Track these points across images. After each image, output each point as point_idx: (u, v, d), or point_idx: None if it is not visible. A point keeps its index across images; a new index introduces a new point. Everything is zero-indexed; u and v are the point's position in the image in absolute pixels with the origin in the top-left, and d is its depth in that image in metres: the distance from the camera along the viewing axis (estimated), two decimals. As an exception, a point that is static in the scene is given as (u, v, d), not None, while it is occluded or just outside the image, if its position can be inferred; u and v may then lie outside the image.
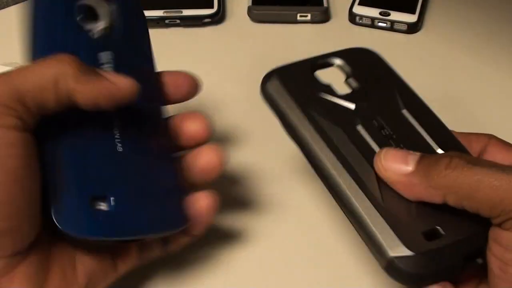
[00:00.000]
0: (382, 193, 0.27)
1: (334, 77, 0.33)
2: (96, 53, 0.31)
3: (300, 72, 0.32)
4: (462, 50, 0.51)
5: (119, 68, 0.31)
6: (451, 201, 0.25)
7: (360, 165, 0.28)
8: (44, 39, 0.31)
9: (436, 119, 0.31)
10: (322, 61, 0.33)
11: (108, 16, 0.32)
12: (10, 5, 0.58)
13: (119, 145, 0.30)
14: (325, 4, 0.55)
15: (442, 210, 0.26)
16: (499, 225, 0.24)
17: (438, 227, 0.27)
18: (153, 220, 0.30)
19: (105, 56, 0.31)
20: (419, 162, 0.26)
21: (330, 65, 0.33)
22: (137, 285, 0.35)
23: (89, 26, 0.32)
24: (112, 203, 0.28)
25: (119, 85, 0.28)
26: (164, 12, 0.54)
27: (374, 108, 0.31)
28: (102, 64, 0.31)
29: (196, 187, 0.32)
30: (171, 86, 0.33)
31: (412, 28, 0.53)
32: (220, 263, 0.35)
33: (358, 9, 0.54)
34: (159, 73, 0.34)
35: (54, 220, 0.27)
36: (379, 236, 0.26)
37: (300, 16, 0.54)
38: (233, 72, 0.49)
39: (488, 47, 0.52)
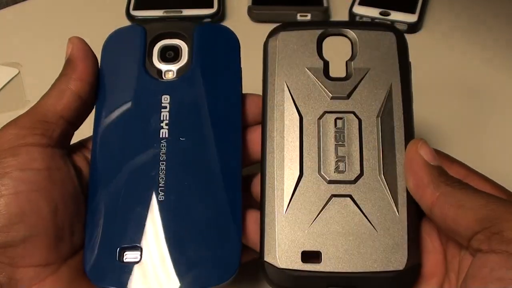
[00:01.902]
0: (291, 202, 0.28)
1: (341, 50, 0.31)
2: (160, 96, 0.30)
3: (306, 38, 0.31)
4: (462, 50, 0.51)
5: (185, 114, 0.30)
6: (439, 205, 0.25)
7: (291, 163, 0.29)
8: (110, 78, 0.31)
9: (403, 142, 0.29)
10: (336, 31, 0.31)
11: (189, 54, 0.31)
12: (10, 5, 0.58)
13: (161, 193, 0.29)
14: (325, 4, 0.55)
15: (343, 236, 0.27)
16: (479, 249, 0.24)
17: (321, 252, 0.28)
18: (191, 275, 0.28)
19: (166, 99, 0.30)
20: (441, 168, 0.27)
21: (343, 35, 0.31)
22: None
23: (166, 66, 0.31)
24: (143, 255, 0.28)
25: None
26: (164, 12, 0.54)
27: (350, 106, 0.30)
28: (163, 107, 0.30)
29: None
30: (252, 114, 0.32)
31: (412, 28, 0.53)
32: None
33: (358, 9, 0.54)
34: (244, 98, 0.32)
35: (84, 267, 0.28)
36: (265, 239, 0.28)
37: (300, 16, 0.54)
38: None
39: (488, 46, 0.52)
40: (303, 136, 0.29)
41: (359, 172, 0.29)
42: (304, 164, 0.29)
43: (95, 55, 0.31)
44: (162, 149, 0.29)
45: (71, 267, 0.28)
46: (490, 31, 0.53)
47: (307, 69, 0.30)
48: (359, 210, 0.28)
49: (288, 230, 0.28)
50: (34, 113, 0.28)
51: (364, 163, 0.29)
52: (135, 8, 0.55)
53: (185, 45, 0.32)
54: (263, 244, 0.28)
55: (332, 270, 0.27)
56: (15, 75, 0.50)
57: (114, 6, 0.56)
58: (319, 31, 0.31)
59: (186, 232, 0.28)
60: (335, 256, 0.27)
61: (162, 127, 0.30)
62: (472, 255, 0.25)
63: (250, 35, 0.54)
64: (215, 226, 0.29)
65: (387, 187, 0.28)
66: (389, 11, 0.53)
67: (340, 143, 0.29)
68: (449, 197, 0.25)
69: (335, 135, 0.29)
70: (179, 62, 0.31)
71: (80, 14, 0.57)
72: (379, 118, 0.29)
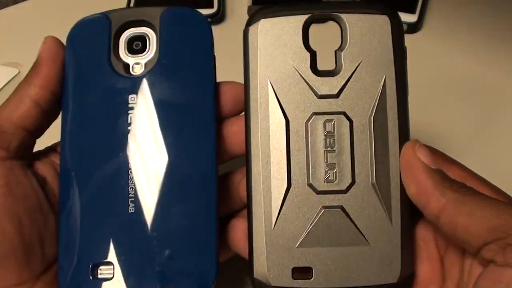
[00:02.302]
0: (280, 216, 0.27)
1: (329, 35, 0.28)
2: (127, 96, 0.28)
3: (290, 26, 0.28)
4: (462, 50, 0.51)
5: (150, 115, 0.28)
6: (447, 213, 0.24)
7: (278, 174, 0.27)
8: (74, 78, 0.29)
9: (398, 143, 0.27)
10: (324, 15, 0.28)
11: (157, 44, 0.29)
12: (10, 5, 0.58)
13: (132, 204, 0.27)
14: (325, 4, 0.55)
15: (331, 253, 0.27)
16: (492, 260, 0.23)
17: (312, 268, 0.27)
18: (168, 286, 0.27)
19: (133, 99, 0.28)
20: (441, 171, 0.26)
21: (333, 20, 0.28)
22: None
23: (134, 59, 0.29)
24: (116, 270, 0.27)
25: None
26: (164, 12, 0.53)
27: (340, 106, 0.27)
28: (130, 108, 0.28)
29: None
30: (230, 105, 0.30)
31: (412, 28, 0.53)
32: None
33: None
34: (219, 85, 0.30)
35: (59, 284, 0.27)
36: (254, 254, 0.27)
37: (300, 16, 0.54)
38: (233, 72, 0.49)
39: (489, 47, 0.52)
40: (290, 142, 0.27)
41: (350, 181, 0.27)
42: (292, 174, 0.27)
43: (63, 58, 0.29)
44: (133, 152, 0.27)
45: (45, 282, 0.27)
46: (491, 31, 0.53)
47: (293, 64, 0.28)
48: (351, 223, 0.27)
49: (278, 246, 0.27)
50: None
51: (356, 170, 0.27)
52: (135, 8, 0.54)
53: (153, 34, 0.29)
54: (252, 260, 0.27)
55: (324, 286, 0.27)
56: (15, 75, 0.50)
57: (114, 6, 0.56)
58: (304, 17, 0.28)
59: (158, 245, 0.27)
60: (326, 272, 0.27)
61: (129, 131, 0.28)
62: (482, 265, 0.24)
63: (250, 35, 0.54)
64: (189, 236, 0.27)
65: (380, 196, 0.27)
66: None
67: (329, 149, 0.27)
68: (458, 204, 0.24)
69: (324, 140, 0.27)
70: (148, 54, 0.29)
71: (80, 14, 0.57)
72: (372, 119, 0.27)
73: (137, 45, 0.29)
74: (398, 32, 0.28)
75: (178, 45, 0.29)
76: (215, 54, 0.31)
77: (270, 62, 0.28)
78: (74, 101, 0.28)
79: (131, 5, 0.55)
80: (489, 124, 0.45)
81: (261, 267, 0.27)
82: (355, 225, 0.27)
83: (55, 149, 0.30)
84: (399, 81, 0.27)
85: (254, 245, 0.27)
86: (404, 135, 0.27)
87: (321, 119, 0.27)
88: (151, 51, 0.29)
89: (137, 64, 0.29)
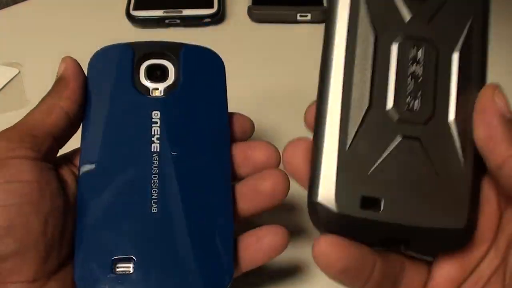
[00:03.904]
0: (356, 137, 0.25)
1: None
2: (150, 113, 0.30)
3: None
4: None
5: (175, 129, 0.30)
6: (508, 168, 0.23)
7: (360, 90, 0.25)
8: (97, 93, 0.31)
9: (482, 81, 0.26)
10: None
11: (175, 74, 0.32)
12: (10, 5, 0.58)
13: (154, 205, 0.29)
14: (325, 4, 0.55)
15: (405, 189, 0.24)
16: None
17: (382, 199, 0.24)
18: (186, 284, 0.28)
19: (156, 115, 0.30)
20: None
21: None
22: None
23: (153, 85, 0.31)
24: (137, 267, 0.28)
25: None
26: (164, 12, 0.54)
27: (430, 33, 0.26)
28: (154, 122, 0.30)
29: (256, 216, 0.31)
30: (238, 133, 0.33)
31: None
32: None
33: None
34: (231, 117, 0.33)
35: (75, 280, 0.27)
36: (321, 176, 0.25)
37: (300, 16, 0.54)
38: (233, 72, 0.49)
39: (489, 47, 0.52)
40: (376, 60, 0.25)
41: (431, 113, 0.25)
42: (374, 94, 0.25)
43: (85, 76, 0.31)
44: (154, 162, 0.29)
45: (57, 281, 0.27)
46: (491, 31, 0.53)
47: None
48: (427, 157, 0.25)
49: (350, 170, 0.25)
50: (22, 126, 0.28)
51: (437, 103, 0.25)
52: (135, 8, 0.54)
53: (171, 65, 0.32)
54: (318, 181, 0.25)
55: (392, 221, 0.24)
56: (15, 75, 0.50)
57: (114, 6, 0.56)
58: None
59: (178, 245, 0.28)
60: (395, 206, 0.24)
61: (153, 141, 0.30)
62: None
63: (250, 35, 0.55)
64: (208, 237, 0.29)
65: (457, 135, 0.25)
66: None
67: (415, 75, 0.25)
68: None
69: (411, 65, 0.26)
70: (166, 81, 0.32)
71: (80, 14, 0.57)
72: (458, 53, 0.26)
73: (156, 73, 0.32)
74: None
75: (196, 76, 0.32)
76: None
77: None
78: (97, 112, 0.30)
79: (131, 6, 0.55)
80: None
81: (327, 191, 0.24)
82: (431, 160, 0.25)
83: (69, 158, 0.31)
84: (484, 23, 0.27)
85: (322, 165, 0.25)
86: (483, 78, 0.26)
87: (410, 43, 0.26)
88: (170, 79, 0.32)
89: (156, 89, 0.32)
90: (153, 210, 0.28)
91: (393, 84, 0.25)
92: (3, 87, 0.49)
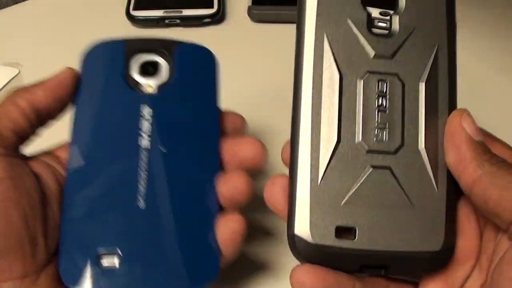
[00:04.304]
0: (327, 171, 0.26)
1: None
2: (141, 109, 0.30)
3: None
4: (462, 50, 0.51)
5: (165, 125, 0.30)
6: (482, 184, 0.24)
7: (328, 127, 0.26)
8: (90, 87, 0.31)
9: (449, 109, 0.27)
10: None
11: (168, 70, 0.32)
12: (10, 5, 0.58)
13: (140, 200, 0.29)
14: (325, 4, 0.55)
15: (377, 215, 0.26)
16: None
17: (356, 228, 0.26)
18: (170, 282, 0.28)
19: (146, 110, 0.30)
20: (483, 144, 0.26)
21: None
22: None
23: (145, 81, 0.32)
24: (123, 260, 0.28)
25: None
26: (164, 12, 0.54)
27: (394, 67, 0.27)
28: (144, 118, 0.30)
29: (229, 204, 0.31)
30: (229, 130, 0.33)
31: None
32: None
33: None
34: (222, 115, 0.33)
35: (60, 273, 0.27)
36: (296, 210, 0.26)
37: (300, 16, 0.54)
38: (233, 72, 0.49)
39: (488, 47, 0.52)
40: (343, 97, 0.27)
41: (400, 142, 0.26)
42: (342, 129, 0.26)
43: (74, 73, 0.30)
44: (142, 158, 0.30)
45: (49, 275, 0.27)
46: (491, 32, 0.53)
47: (350, 21, 0.27)
48: (398, 185, 0.26)
49: (323, 203, 0.26)
50: None
51: (405, 133, 0.27)
52: (135, 8, 0.55)
53: (165, 62, 0.32)
54: (294, 215, 0.26)
55: (367, 248, 0.25)
56: (15, 75, 0.50)
57: (114, 6, 0.56)
58: None
59: (165, 240, 0.28)
60: (370, 233, 0.26)
61: (142, 136, 0.30)
62: (510, 240, 0.24)
63: (250, 35, 0.54)
64: (193, 235, 0.29)
65: (427, 161, 0.26)
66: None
67: (382, 108, 0.27)
68: (493, 178, 0.24)
69: (377, 99, 0.27)
70: (159, 78, 0.32)
71: (80, 14, 0.57)
72: (423, 84, 0.27)
73: (149, 69, 0.32)
74: (452, 6, 0.28)
75: (189, 74, 0.32)
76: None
77: (327, 18, 0.27)
78: (88, 106, 0.30)
79: (131, 6, 0.55)
80: (487, 124, 0.45)
81: (303, 223, 0.26)
82: (402, 188, 0.26)
83: (49, 152, 0.31)
84: (450, 51, 0.27)
85: (297, 199, 0.26)
86: (452, 104, 0.27)
87: (374, 78, 0.27)
88: (162, 75, 0.32)
89: (149, 85, 0.32)
90: (140, 204, 0.29)
91: (360, 118, 0.27)
92: (3, 87, 0.49)
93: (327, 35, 0.27)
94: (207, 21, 0.54)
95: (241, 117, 0.34)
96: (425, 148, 0.26)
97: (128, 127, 0.30)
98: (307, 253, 0.26)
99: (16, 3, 0.58)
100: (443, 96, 0.27)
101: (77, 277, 0.27)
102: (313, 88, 0.27)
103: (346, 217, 0.26)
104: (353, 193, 0.26)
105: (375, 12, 0.29)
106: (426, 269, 0.27)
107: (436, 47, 0.27)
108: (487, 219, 0.26)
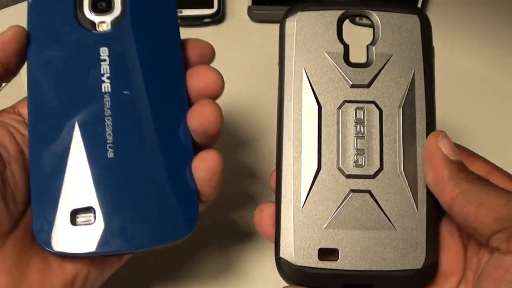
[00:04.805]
0: (309, 197, 0.28)
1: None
2: (97, 49, 0.29)
3: (325, 19, 0.30)
4: (462, 50, 0.51)
5: (124, 65, 0.29)
6: (459, 202, 0.25)
7: (308, 156, 0.28)
8: (40, 36, 0.29)
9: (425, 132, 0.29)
10: (357, 12, 0.30)
11: (121, 3, 0.30)
12: (10, 5, 0.58)
13: (110, 150, 0.27)
14: (325, 4, 0.55)
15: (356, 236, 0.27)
16: (497, 248, 0.24)
17: (338, 249, 0.27)
18: (149, 231, 0.27)
19: (104, 51, 0.29)
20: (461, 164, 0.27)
21: (365, 17, 0.30)
22: None
23: (98, 18, 0.30)
24: (98, 215, 0.27)
25: None
26: (164, 12, 0.53)
27: (370, 95, 0.29)
28: (103, 60, 0.29)
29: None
30: (196, 58, 0.32)
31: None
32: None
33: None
34: (184, 44, 0.31)
35: (34, 234, 0.26)
36: (281, 234, 0.28)
37: (300, 16, 0.54)
38: (233, 72, 0.49)
39: (488, 47, 0.52)
40: (322, 127, 0.28)
41: (378, 166, 0.28)
42: (322, 157, 0.28)
43: (23, 30, 0.29)
44: (106, 103, 0.28)
45: (15, 240, 0.26)
46: (491, 32, 0.53)
47: (327, 53, 0.29)
48: (378, 207, 0.28)
49: (305, 227, 0.28)
50: None
51: (384, 157, 0.28)
52: (135, 8, 0.54)
53: None
54: (279, 240, 0.28)
55: (349, 268, 0.27)
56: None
57: None
58: (339, 12, 0.30)
59: (139, 189, 0.27)
60: (352, 254, 0.27)
61: (103, 81, 0.28)
62: (490, 254, 0.25)
63: (250, 35, 0.54)
64: (169, 180, 0.28)
65: (407, 183, 0.28)
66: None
67: (360, 135, 0.28)
68: (469, 194, 0.25)
69: (354, 126, 0.29)
70: (113, 13, 0.30)
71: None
72: (401, 109, 0.29)
73: (101, 5, 0.30)
74: (427, 31, 0.29)
75: (144, 5, 0.30)
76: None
77: (305, 51, 0.29)
78: (41, 55, 0.29)
79: None
80: (487, 125, 0.45)
81: (287, 247, 0.28)
82: (382, 210, 0.28)
83: (9, 111, 0.30)
84: (427, 76, 0.29)
85: (281, 225, 0.28)
86: (431, 126, 0.29)
87: (352, 107, 0.29)
88: (116, 10, 0.30)
89: (103, 22, 0.30)
90: (110, 155, 0.27)
91: (340, 145, 0.28)
92: (3, 87, 0.49)
93: (305, 69, 0.29)
94: (207, 21, 0.54)
95: (207, 42, 0.33)
96: (404, 171, 0.28)
97: (87, 72, 0.28)
98: (292, 274, 0.28)
99: (16, 3, 0.58)
100: (421, 119, 0.28)
101: (52, 236, 0.26)
102: (293, 120, 0.28)
103: (328, 240, 0.28)
104: (334, 216, 0.28)
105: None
106: (410, 287, 0.28)
107: (413, 73, 0.29)
108: (469, 235, 0.27)
